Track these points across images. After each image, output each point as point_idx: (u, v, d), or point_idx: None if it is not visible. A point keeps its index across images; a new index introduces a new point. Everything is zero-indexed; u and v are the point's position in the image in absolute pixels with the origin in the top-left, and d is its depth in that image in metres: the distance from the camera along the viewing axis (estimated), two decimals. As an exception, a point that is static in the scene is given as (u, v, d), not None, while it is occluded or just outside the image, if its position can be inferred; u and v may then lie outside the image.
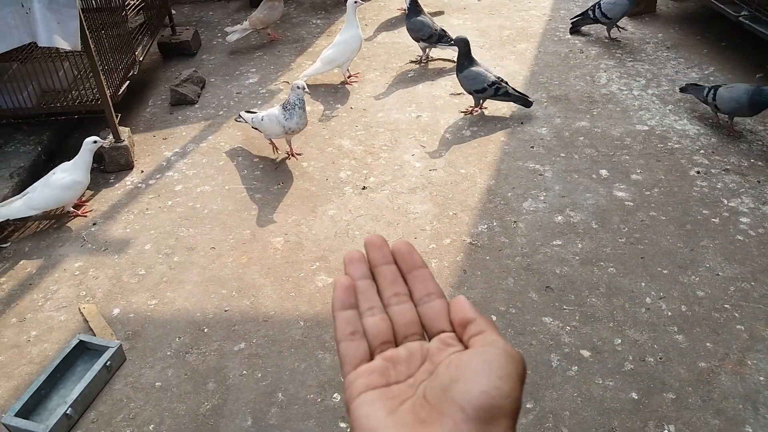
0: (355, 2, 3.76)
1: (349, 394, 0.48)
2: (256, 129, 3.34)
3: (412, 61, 4.21)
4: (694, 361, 2.18)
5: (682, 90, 3.57)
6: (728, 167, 3.09)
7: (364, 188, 3.12)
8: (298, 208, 3.02)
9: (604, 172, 3.12)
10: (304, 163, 3.32)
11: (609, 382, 2.13)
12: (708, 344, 2.23)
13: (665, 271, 2.54)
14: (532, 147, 3.33)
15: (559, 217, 2.86)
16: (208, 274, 2.68)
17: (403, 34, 4.42)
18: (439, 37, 4.00)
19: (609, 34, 4.32)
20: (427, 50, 4.13)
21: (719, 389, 2.09)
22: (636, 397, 2.08)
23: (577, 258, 2.64)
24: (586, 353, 2.24)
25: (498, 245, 2.74)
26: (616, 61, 4.07)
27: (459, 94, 3.75)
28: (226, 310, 2.51)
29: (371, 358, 0.51)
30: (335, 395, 2.16)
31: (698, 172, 3.07)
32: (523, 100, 3.52)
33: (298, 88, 3.09)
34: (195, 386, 2.23)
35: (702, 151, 3.21)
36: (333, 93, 3.94)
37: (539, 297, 2.47)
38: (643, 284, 2.49)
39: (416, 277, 0.55)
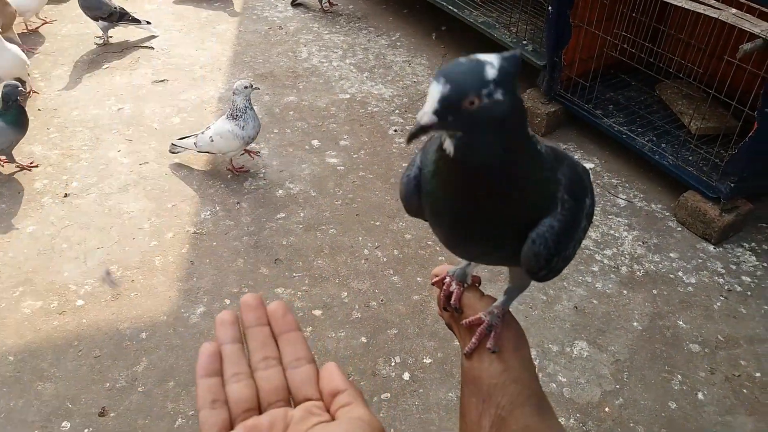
0: None
1: None
2: (205, 153, 2.96)
3: (97, 44, 3.91)
4: (408, 296, 2.47)
5: None
6: (419, 122, 3.49)
7: (66, 195, 2.83)
8: (-14, 231, 2.63)
9: (315, 142, 3.30)
10: (-13, 179, 2.88)
11: (341, 333, 2.31)
12: (418, 278, 2.54)
13: (378, 223, 2.80)
14: (246, 127, 3.36)
15: (280, 191, 2.96)
16: None
17: (90, 24, 4.05)
18: (121, 15, 3.77)
19: (321, 5, 4.54)
20: (108, 31, 3.88)
21: (431, 315, 2.40)
22: (365, 340, 2.29)
23: (301, 226, 2.77)
24: (317, 312, 2.39)
25: (224, 229, 2.73)
26: (314, 35, 4.27)
27: (162, 81, 3.60)
28: None
29: (231, 427, 0.50)
30: (64, 423, 1.97)
31: (395, 131, 3.42)
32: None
33: (245, 87, 2.73)
34: None
35: (397, 111, 3.58)
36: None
37: (270, 270, 2.54)
38: (361, 238, 2.72)
39: (287, 341, 0.55)
